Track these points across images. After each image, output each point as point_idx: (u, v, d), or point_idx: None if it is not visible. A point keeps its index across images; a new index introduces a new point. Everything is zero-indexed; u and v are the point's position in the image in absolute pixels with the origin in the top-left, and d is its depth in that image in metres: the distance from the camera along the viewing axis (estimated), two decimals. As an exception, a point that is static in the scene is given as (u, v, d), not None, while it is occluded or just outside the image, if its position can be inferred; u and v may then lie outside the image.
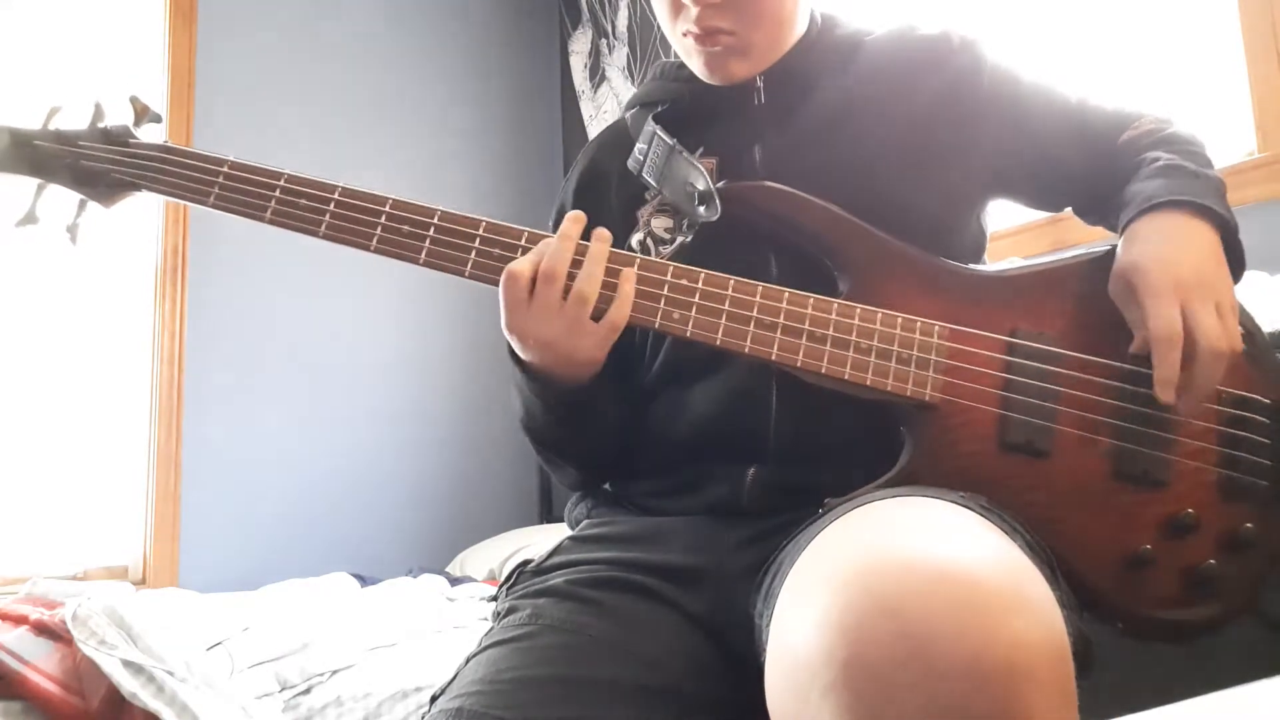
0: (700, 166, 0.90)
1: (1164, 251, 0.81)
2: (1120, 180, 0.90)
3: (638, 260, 0.84)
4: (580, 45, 3.33)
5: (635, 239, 0.95)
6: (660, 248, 0.93)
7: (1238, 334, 0.80)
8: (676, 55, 1.00)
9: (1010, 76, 0.95)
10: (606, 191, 1.00)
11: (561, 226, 0.84)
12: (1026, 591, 0.54)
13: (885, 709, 0.50)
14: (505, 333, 0.84)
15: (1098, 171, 0.93)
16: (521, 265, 0.82)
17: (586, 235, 0.84)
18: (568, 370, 0.85)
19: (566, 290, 0.81)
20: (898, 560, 0.54)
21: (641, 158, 0.94)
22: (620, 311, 0.82)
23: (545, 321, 0.81)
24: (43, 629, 1.52)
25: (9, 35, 2.44)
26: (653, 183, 0.93)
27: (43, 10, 2.51)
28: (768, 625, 0.65)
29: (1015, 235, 1.94)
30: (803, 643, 0.55)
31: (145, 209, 2.58)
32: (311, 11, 2.95)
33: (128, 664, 1.45)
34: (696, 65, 0.95)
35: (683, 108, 0.98)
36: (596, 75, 3.26)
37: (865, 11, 1.03)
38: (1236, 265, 0.85)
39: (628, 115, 1.04)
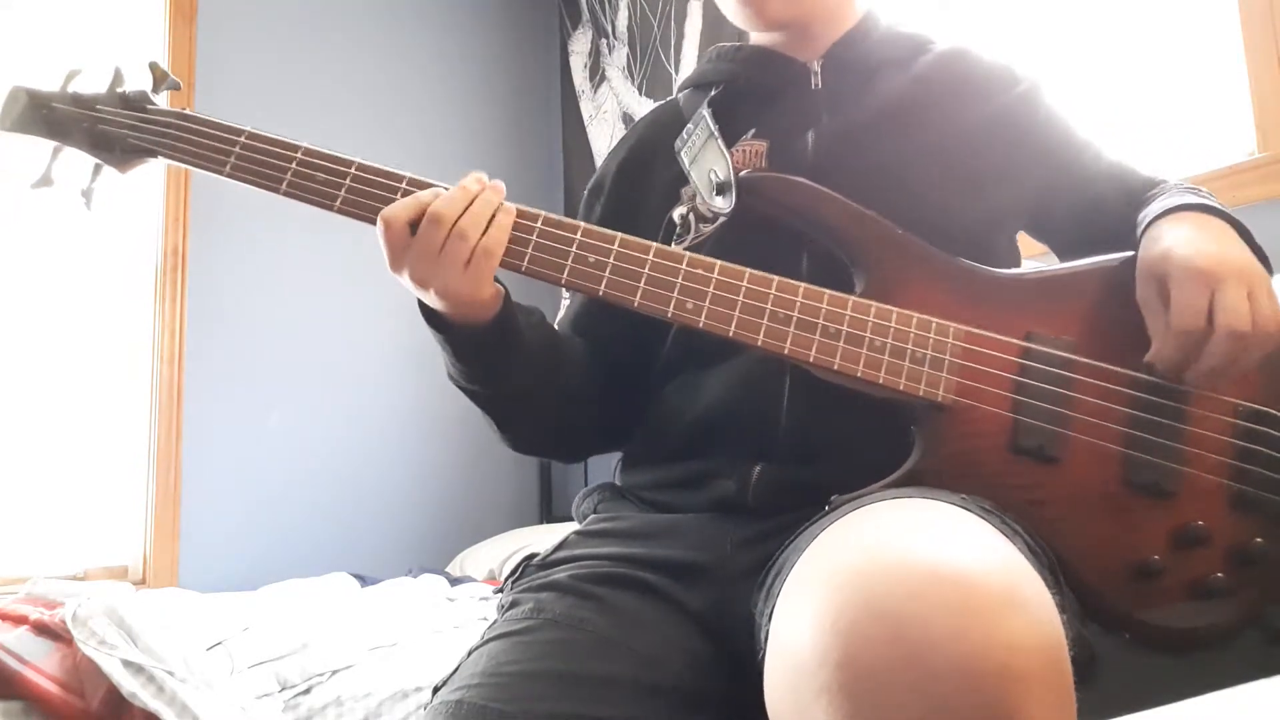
0: (727, 156, 0.89)
1: (1193, 239, 0.80)
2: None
3: (530, 213, 0.84)
4: (580, 45, 3.33)
5: (677, 212, 0.94)
6: (702, 225, 0.92)
7: (1278, 314, 0.78)
8: (725, 42, 1.00)
9: (1064, 123, 0.97)
10: (652, 168, 1.00)
11: (464, 179, 0.83)
12: (1023, 593, 0.53)
13: (879, 711, 0.49)
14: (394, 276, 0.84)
15: (1127, 227, 0.92)
16: (396, 211, 0.81)
17: None
18: (458, 309, 0.83)
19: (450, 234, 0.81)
20: (893, 562, 0.54)
21: (686, 137, 0.94)
22: (493, 237, 0.81)
23: (422, 261, 0.80)
24: (43, 629, 1.52)
25: (9, 36, 2.44)
26: (686, 164, 0.93)
27: (43, 10, 2.51)
28: (768, 624, 0.65)
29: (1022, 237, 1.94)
30: (798, 644, 0.55)
31: (146, 207, 2.58)
32: (311, 12, 2.95)
33: (128, 664, 1.45)
34: (733, 5, 0.95)
35: (737, 89, 0.98)
36: (596, 75, 3.26)
37: (923, 21, 1.05)
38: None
39: (681, 96, 1.04)
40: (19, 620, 1.54)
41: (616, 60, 3.19)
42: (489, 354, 0.87)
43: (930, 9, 2.32)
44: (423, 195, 0.83)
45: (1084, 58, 2.08)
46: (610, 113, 3.18)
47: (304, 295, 2.77)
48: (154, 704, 1.42)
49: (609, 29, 3.23)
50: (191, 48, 2.66)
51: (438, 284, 0.81)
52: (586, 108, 3.28)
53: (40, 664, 1.47)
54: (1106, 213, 0.95)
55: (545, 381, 0.92)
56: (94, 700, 1.44)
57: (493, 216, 0.82)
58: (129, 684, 1.43)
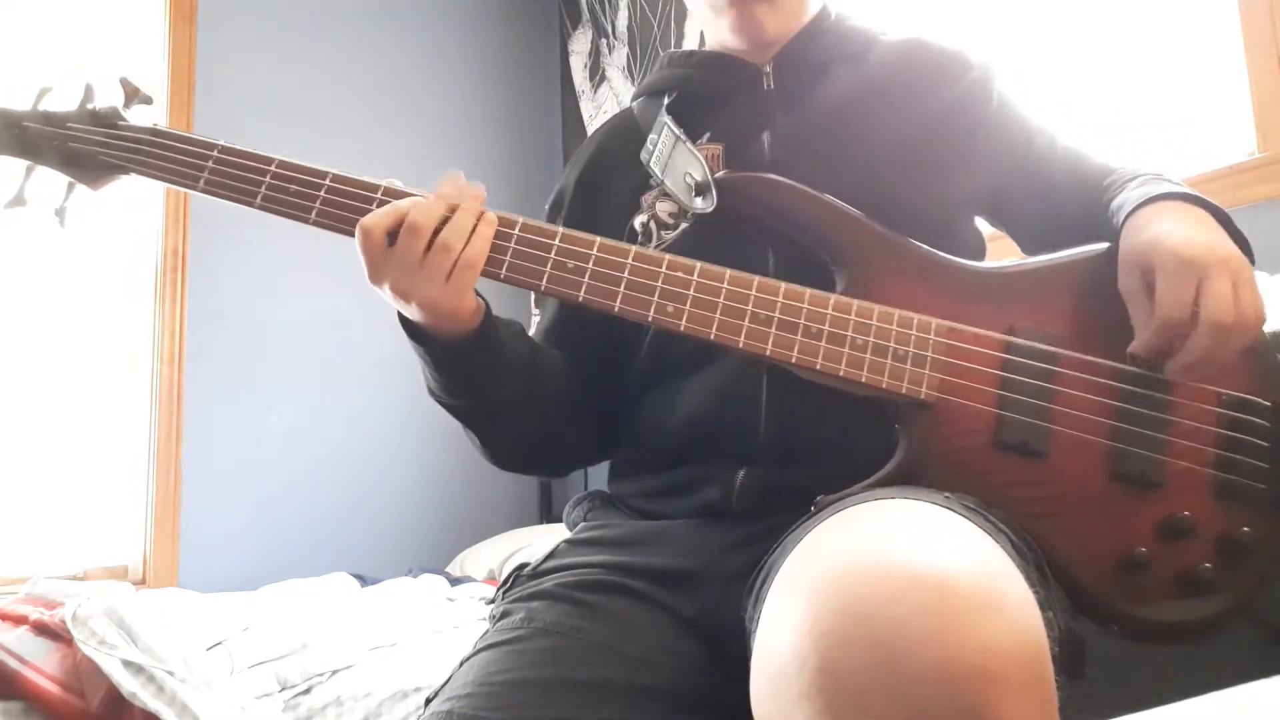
0: (700, 157, 0.89)
1: (1179, 228, 0.80)
2: (1104, 220, 0.89)
3: (508, 219, 0.83)
4: (580, 45, 3.33)
5: (638, 221, 0.94)
6: (663, 232, 0.92)
7: (1260, 306, 0.78)
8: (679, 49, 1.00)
9: (1017, 108, 0.97)
10: (610, 178, 0.99)
11: (441, 186, 0.82)
12: (1001, 594, 0.53)
13: (859, 716, 0.49)
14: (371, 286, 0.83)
15: (1086, 213, 0.92)
16: (375, 220, 0.80)
17: None
18: (438, 321, 0.83)
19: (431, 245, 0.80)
20: (870, 566, 0.54)
21: (652, 148, 0.94)
22: (475, 249, 0.80)
23: (403, 273, 0.80)
24: (43, 629, 1.52)
25: (8, 37, 2.44)
26: (658, 173, 0.92)
27: (42, 11, 2.51)
28: (756, 629, 0.65)
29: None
30: (779, 649, 0.54)
31: (145, 208, 2.58)
32: (311, 13, 2.95)
33: (128, 664, 1.45)
34: (727, 22, 0.95)
35: (691, 93, 0.98)
36: (596, 75, 3.26)
37: (875, 13, 1.04)
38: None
39: (635, 105, 1.04)
40: (19, 620, 1.54)
41: (616, 60, 3.19)
42: (470, 366, 0.86)
43: (932, 7, 2.32)
44: (400, 204, 0.82)
45: (1084, 58, 2.08)
46: (610, 113, 3.18)
47: (304, 296, 2.77)
48: (154, 704, 1.42)
49: (609, 29, 3.23)
50: (191, 48, 2.66)
51: (419, 296, 0.80)
52: (586, 108, 3.28)
53: (40, 664, 1.47)
54: (1061, 199, 0.95)
55: (527, 394, 0.92)
56: (94, 700, 1.44)
57: (475, 227, 0.81)
58: (129, 684, 1.43)
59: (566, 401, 0.96)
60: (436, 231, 0.80)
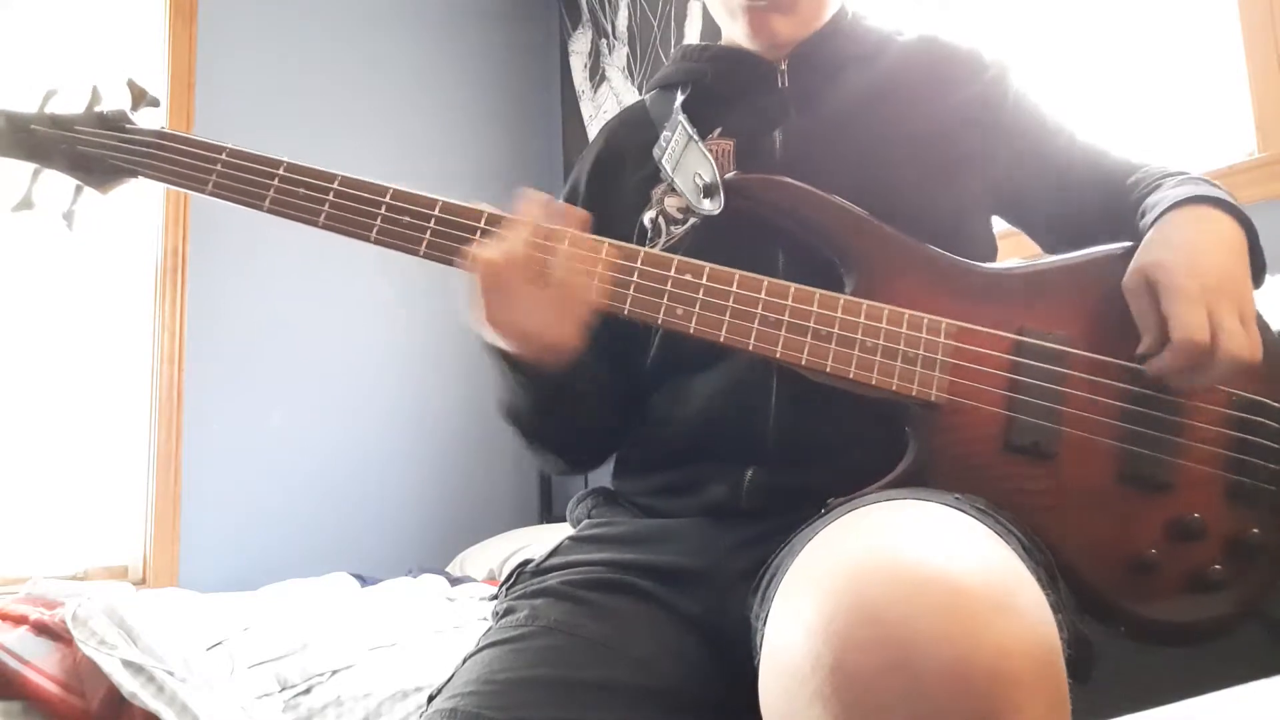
0: (711, 159, 0.89)
1: (1192, 252, 0.80)
2: (1128, 217, 0.89)
3: (607, 244, 0.83)
4: (580, 45, 3.33)
5: (647, 216, 0.94)
6: (672, 227, 0.92)
7: (1259, 342, 0.79)
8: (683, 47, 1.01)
9: (1033, 106, 0.97)
10: (622, 170, 0.99)
11: (526, 208, 0.82)
12: (1014, 596, 0.53)
13: (871, 716, 0.49)
14: (478, 325, 0.82)
15: (1108, 210, 0.92)
16: (494, 254, 0.79)
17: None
18: (547, 355, 0.83)
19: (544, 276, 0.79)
20: (883, 566, 0.54)
21: (665, 144, 0.94)
22: (600, 285, 0.81)
23: (527, 312, 0.79)
24: (43, 629, 1.52)
25: (8, 37, 2.44)
26: (669, 170, 0.92)
27: (42, 11, 2.51)
28: (763, 628, 0.65)
29: (1017, 235, 1.93)
30: (791, 648, 0.54)
31: (145, 208, 2.58)
32: (311, 13, 2.95)
33: (128, 664, 1.45)
34: (741, 27, 0.95)
35: (704, 88, 0.98)
36: (596, 75, 3.26)
37: (892, 13, 1.04)
38: (1257, 269, 0.84)
39: (647, 97, 1.04)
40: (19, 620, 1.54)
41: (616, 60, 3.19)
42: (565, 389, 0.87)
43: (930, 7, 2.32)
44: (513, 236, 0.80)
45: (1085, 57, 2.08)
46: (610, 113, 3.18)
47: (304, 295, 2.77)
48: (154, 704, 1.42)
49: (609, 29, 3.23)
50: (191, 48, 2.66)
51: (534, 329, 0.80)
52: (586, 108, 3.28)
53: (40, 664, 1.47)
54: (1081, 197, 0.95)
55: (602, 407, 0.93)
56: (94, 700, 1.44)
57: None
58: (129, 684, 1.43)
59: (610, 407, 0.96)
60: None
